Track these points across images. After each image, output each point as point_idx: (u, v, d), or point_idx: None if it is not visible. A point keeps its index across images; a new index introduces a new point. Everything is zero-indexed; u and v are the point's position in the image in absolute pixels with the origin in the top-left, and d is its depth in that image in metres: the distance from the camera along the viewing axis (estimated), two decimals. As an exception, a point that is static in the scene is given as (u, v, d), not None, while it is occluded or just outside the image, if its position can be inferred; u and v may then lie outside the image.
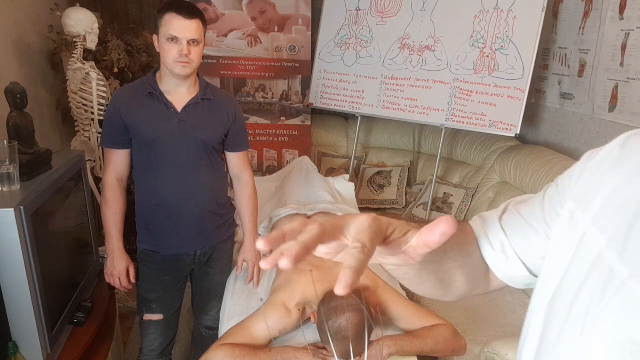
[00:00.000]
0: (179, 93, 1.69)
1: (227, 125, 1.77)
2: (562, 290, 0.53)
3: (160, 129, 1.66)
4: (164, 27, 1.58)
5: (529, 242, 0.63)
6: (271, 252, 0.46)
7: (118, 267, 1.73)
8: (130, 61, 2.84)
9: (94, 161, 2.55)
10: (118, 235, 1.73)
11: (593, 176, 0.55)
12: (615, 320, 0.46)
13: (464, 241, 0.66)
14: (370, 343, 1.47)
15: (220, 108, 1.76)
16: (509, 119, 2.77)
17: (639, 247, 0.46)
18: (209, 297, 1.94)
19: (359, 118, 3.32)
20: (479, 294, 0.70)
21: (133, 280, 1.78)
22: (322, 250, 0.49)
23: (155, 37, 1.64)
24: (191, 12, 1.59)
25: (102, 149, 1.89)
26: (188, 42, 1.58)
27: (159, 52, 1.64)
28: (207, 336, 1.99)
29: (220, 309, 1.90)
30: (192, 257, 1.82)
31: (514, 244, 0.64)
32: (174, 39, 1.57)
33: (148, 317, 1.81)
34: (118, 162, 1.72)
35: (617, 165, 0.53)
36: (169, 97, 1.68)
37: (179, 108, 1.68)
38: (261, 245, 0.45)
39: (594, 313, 0.48)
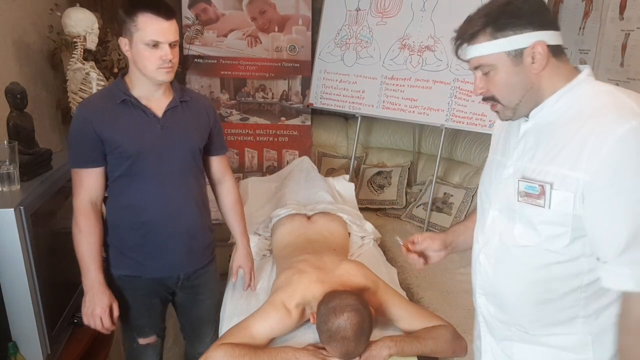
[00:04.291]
0: (155, 98, 1.53)
1: (209, 126, 1.65)
2: (482, 190, 1.19)
3: (144, 139, 1.50)
4: (141, 31, 1.40)
5: None
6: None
7: (100, 305, 1.48)
8: (130, 61, 2.84)
9: (94, 161, 2.54)
10: (97, 268, 1.49)
11: (495, 134, 1.24)
12: (502, 188, 1.10)
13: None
14: (370, 343, 1.47)
15: (199, 109, 1.64)
16: (509, 119, 2.76)
17: (506, 146, 1.14)
18: (202, 324, 1.81)
19: (359, 118, 3.32)
20: None
21: (116, 319, 1.55)
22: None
23: (124, 40, 1.44)
24: (168, 11, 1.43)
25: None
26: (169, 45, 1.43)
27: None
28: None
29: (215, 331, 1.79)
30: (175, 280, 1.66)
31: None
32: (155, 44, 1.41)
33: (144, 341, 1.67)
34: (92, 183, 1.50)
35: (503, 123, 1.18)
36: (145, 103, 1.51)
37: (159, 113, 1.53)
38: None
39: (497, 188, 1.12)
